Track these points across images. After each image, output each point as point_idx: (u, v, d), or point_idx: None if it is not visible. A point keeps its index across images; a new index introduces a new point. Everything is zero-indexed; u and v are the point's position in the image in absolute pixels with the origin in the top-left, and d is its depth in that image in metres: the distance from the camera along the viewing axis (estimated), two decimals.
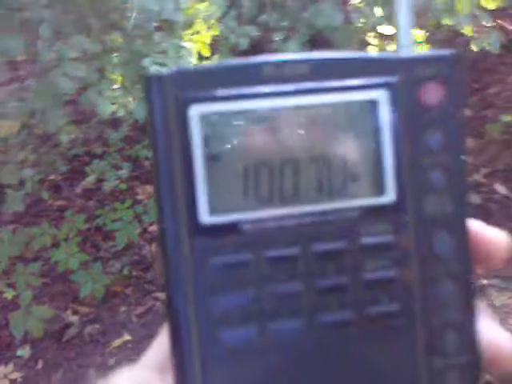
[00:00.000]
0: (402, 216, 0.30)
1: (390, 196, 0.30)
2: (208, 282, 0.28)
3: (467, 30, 2.86)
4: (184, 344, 0.28)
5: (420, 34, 2.64)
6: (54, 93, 1.96)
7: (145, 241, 2.47)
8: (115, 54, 2.09)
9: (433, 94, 0.30)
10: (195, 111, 0.28)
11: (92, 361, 2.02)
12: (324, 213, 0.29)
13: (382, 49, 2.91)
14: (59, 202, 2.66)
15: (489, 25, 3.19)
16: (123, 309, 2.20)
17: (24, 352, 2.04)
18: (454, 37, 3.38)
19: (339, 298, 0.29)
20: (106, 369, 1.97)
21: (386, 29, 2.79)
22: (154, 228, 2.49)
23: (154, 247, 2.44)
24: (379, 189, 0.30)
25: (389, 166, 0.30)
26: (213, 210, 0.28)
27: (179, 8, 2.39)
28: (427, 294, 0.30)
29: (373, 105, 0.30)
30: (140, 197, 2.64)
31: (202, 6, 2.64)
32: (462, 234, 0.30)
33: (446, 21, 2.40)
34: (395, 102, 0.30)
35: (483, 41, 2.64)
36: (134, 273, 2.36)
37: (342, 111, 0.30)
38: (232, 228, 0.28)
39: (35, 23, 2.00)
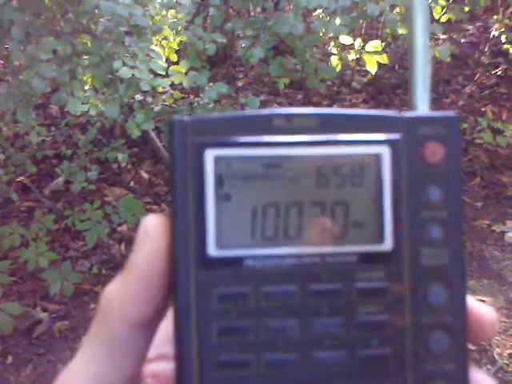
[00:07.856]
0: (397, 264, 0.31)
1: (387, 244, 0.31)
2: (210, 310, 0.30)
3: None
4: (185, 364, 0.30)
5: (377, 44, 2.78)
6: (25, 93, 2.00)
7: (114, 240, 2.51)
8: (85, 57, 2.15)
9: (435, 152, 0.32)
10: (210, 154, 0.31)
11: (61, 356, 2.04)
12: (324, 255, 0.31)
13: (342, 58, 3.04)
14: (28, 203, 2.67)
15: (441, 36, 3.39)
16: (92, 306, 2.24)
17: None
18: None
19: (332, 337, 0.31)
20: None
21: (345, 39, 2.92)
22: (122, 228, 2.54)
23: (123, 246, 2.49)
24: (378, 237, 0.32)
25: (388, 216, 0.31)
26: (220, 245, 0.31)
27: (147, 14, 2.47)
28: (419, 342, 0.31)
29: (376, 158, 0.32)
30: (108, 198, 2.69)
31: (169, 13, 2.72)
32: (458, 286, 0.32)
33: (402, 30, 2.55)
34: (397, 157, 0.32)
35: (435, 50, 2.80)
36: (104, 271, 2.41)
37: (348, 162, 0.32)
38: (236, 262, 0.31)
39: (6, 25, 2.05)
